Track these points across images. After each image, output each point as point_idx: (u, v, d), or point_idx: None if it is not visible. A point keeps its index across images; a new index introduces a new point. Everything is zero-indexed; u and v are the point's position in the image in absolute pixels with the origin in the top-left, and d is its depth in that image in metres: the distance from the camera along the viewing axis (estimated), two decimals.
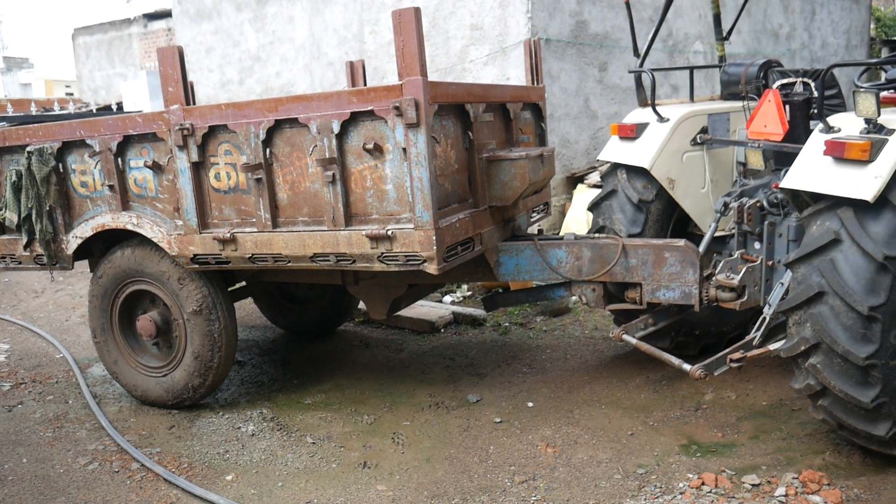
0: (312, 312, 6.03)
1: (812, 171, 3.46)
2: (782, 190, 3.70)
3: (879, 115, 3.31)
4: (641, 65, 4.85)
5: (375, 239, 3.73)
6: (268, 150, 3.91)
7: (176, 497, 3.72)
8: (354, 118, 3.67)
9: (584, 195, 7.34)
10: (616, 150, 4.83)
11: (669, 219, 4.85)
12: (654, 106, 4.73)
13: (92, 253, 4.91)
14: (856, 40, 13.77)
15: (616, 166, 4.87)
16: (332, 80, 9.66)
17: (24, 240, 4.76)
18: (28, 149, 4.54)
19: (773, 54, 11.38)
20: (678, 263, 4.15)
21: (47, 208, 4.62)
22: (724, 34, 5.45)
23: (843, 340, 3.26)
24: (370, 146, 3.65)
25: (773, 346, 3.79)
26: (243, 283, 5.34)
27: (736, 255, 4.26)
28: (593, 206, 5.00)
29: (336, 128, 3.69)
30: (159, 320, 4.66)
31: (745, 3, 5.45)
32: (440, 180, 3.75)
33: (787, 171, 3.62)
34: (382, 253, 3.75)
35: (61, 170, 4.58)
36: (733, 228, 4.47)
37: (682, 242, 4.20)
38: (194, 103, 4.26)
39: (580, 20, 8.32)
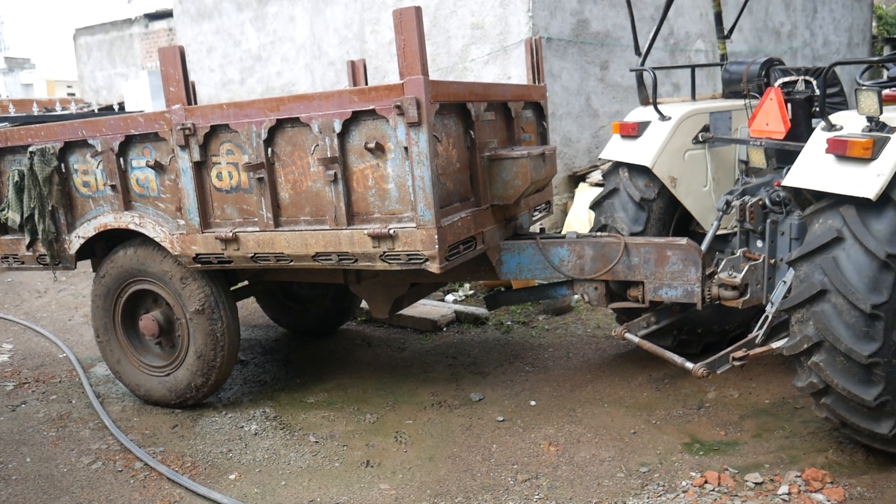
0: (315, 311, 6.03)
1: (814, 169, 3.45)
2: (784, 188, 3.70)
3: (882, 112, 3.30)
4: (643, 63, 4.85)
5: (377, 238, 3.73)
6: (269, 150, 3.91)
7: (179, 496, 3.72)
8: (356, 117, 3.67)
9: (586, 194, 7.34)
10: (618, 149, 4.82)
11: (671, 217, 4.85)
12: (655, 104, 4.73)
13: (94, 253, 4.91)
14: (857, 38, 13.75)
15: (618, 165, 4.87)
16: (333, 79, 9.67)
17: (27, 240, 4.78)
18: (30, 149, 4.55)
19: (775, 52, 11.37)
20: (680, 262, 4.14)
21: (50, 208, 4.63)
22: (726, 32, 5.44)
23: (846, 338, 3.25)
24: (372, 145, 3.65)
25: (775, 345, 3.79)
26: (245, 283, 5.35)
27: (738, 254, 4.26)
28: (595, 205, 4.99)
29: (338, 127, 3.69)
30: (162, 320, 4.67)
31: (746, 1, 5.43)
32: (442, 179, 3.75)
33: (789, 170, 3.62)
34: (384, 252, 3.75)
35: (63, 170, 4.59)
36: (735, 227, 4.46)
37: (684, 241, 4.19)
38: (196, 103, 4.27)
39: (581, 19, 8.32)
